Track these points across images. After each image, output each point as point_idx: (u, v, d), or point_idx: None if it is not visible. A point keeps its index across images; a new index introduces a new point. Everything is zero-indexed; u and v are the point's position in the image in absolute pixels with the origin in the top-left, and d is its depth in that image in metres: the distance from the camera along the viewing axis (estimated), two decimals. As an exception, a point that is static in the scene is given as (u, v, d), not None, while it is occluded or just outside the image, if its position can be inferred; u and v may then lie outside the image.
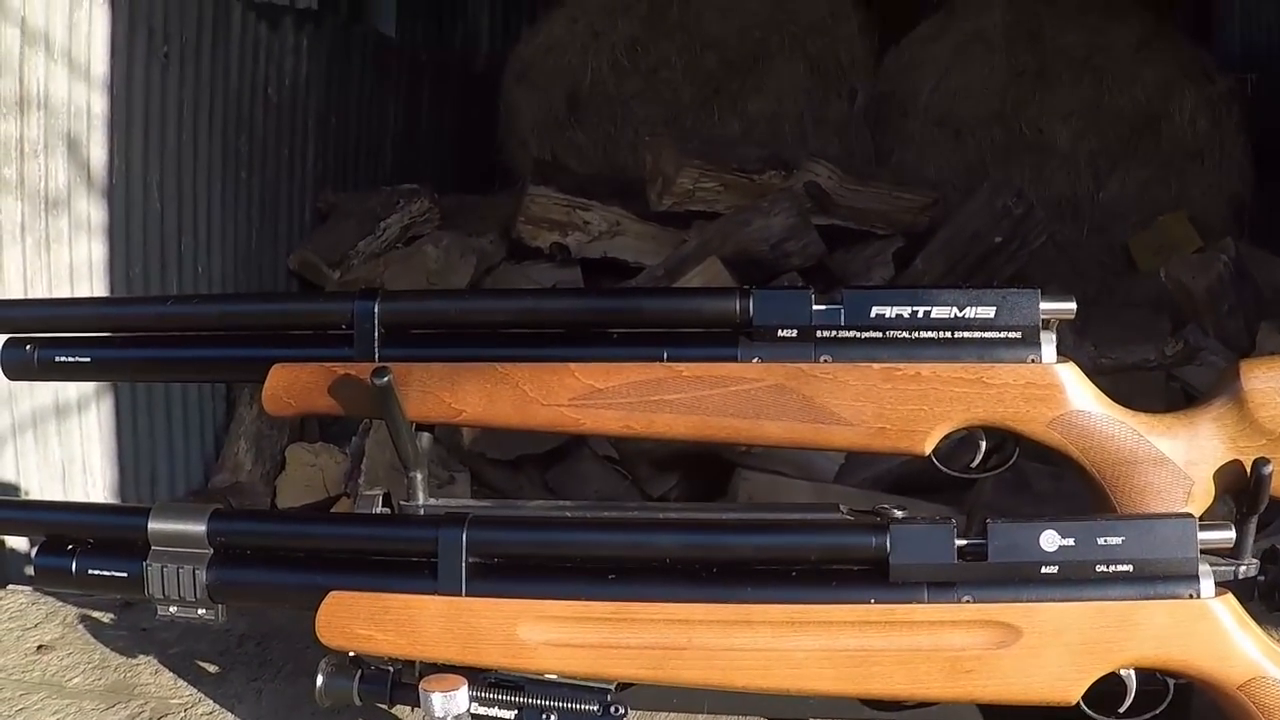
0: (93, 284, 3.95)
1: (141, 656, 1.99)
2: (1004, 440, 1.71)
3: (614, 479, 4.19)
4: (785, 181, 5.06)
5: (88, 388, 3.96)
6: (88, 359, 1.83)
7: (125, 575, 1.65)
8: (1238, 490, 1.65)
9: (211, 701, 1.87)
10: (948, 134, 6.54)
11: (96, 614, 2.11)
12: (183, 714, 1.85)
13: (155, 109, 4.34)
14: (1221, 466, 1.66)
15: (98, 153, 3.97)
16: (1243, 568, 1.60)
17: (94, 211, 3.97)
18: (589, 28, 6.70)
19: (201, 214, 4.71)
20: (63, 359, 1.83)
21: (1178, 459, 1.66)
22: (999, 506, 2.41)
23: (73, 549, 1.67)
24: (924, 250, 5.03)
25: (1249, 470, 1.61)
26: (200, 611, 1.64)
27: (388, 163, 6.59)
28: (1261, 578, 1.59)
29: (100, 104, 3.96)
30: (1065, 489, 3.28)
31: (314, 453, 4.57)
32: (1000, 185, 5.33)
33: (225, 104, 4.89)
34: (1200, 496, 1.66)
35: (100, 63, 3.95)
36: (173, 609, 1.65)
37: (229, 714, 1.85)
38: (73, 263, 3.87)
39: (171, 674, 1.94)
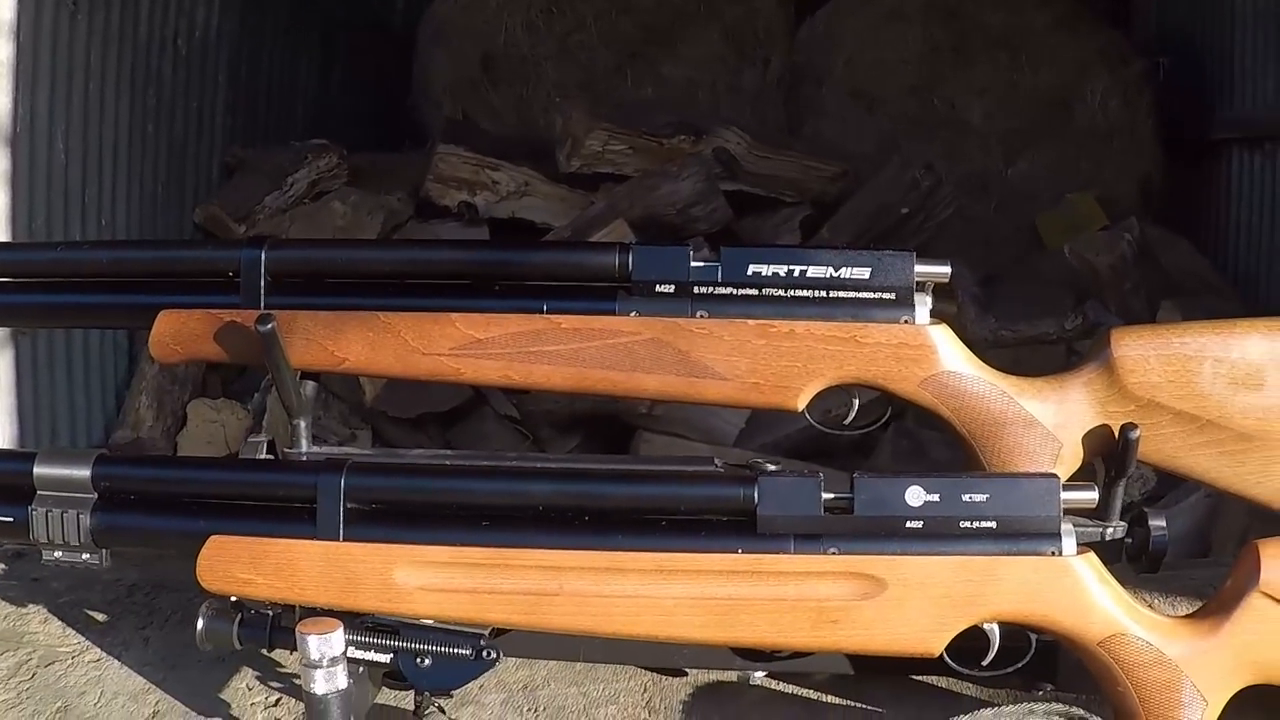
0: (-7, 233, 3.92)
1: (31, 605, 1.97)
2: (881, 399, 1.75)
3: (515, 439, 4.22)
4: (694, 147, 5.09)
5: (-14, 340, 3.93)
6: (-25, 304, 1.83)
7: (11, 520, 1.64)
8: (1107, 454, 1.69)
9: (99, 649, 1.87)
10: (861, 106, 6.56)
11: (-13, 564, 2.10)
12: (70, 661, 1.85)
13: (62, 58, 4.29)
14: (1090, 430, 1.71)
15: (2, 101, 3.93)
16: (1110, 529, 1.65)
17: (-4, 160, 3.93)
18: (507, -13, 6.67)
19: (107, 166, 4.66)
20: (-50, 304, 1.83)
21: (1047, 421, 1.70)
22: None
23: (-42, 494, 1.67)
24: (831, 219, 5.08)
25: (1117, 435, 1.66)
26: (85, 556, 1.64)
27: (299, 119, 6.52)
28: (1129, 540, 1.64)
29: (5, 52, 3.91)
30: (962, 457, 3.32)
31: (216, 408, 4.56)
32: (911, 158, 5.38)
33: (134, 55, 4.84)
34: (1069, 459, 1.71)
35: (6, 9, 3.90)
36: (57, 554, 1.64)
37: (115, 661, 1.85)
38: (-27, 212, 3.83)
39: (60, 622, 1.94)
